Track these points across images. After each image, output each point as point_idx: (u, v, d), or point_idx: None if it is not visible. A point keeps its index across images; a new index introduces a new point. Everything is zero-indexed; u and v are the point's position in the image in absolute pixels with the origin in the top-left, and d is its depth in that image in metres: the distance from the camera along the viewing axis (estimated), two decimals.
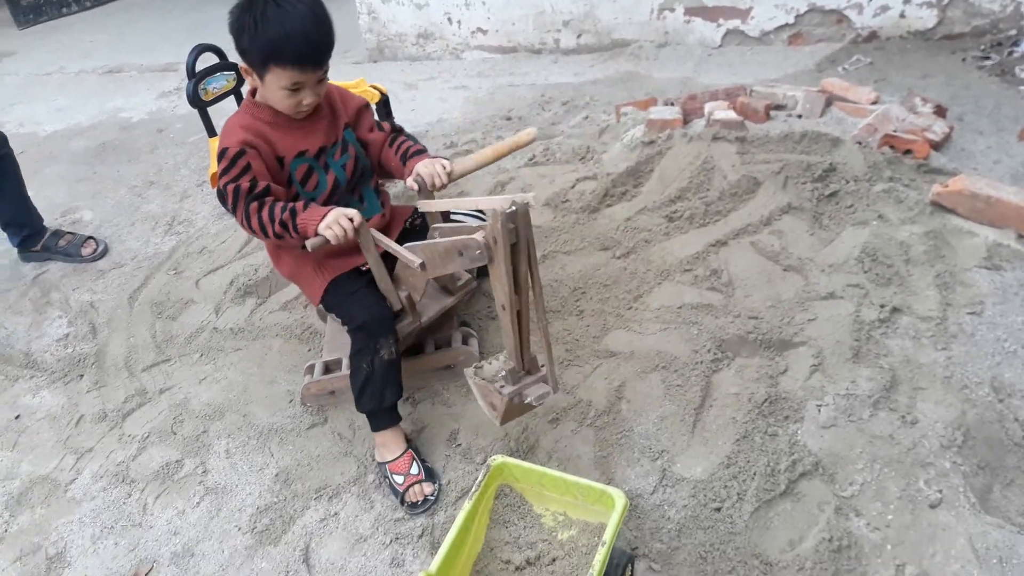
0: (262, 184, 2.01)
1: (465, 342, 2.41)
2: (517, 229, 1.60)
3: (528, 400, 1.79)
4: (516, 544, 1.76)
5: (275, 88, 1.96)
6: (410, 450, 2.16)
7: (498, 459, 1.80)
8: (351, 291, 2.17)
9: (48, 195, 4.19)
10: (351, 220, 1.94)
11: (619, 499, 1.65)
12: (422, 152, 2.23)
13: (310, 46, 1.90)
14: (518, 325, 1.73)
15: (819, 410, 2.06)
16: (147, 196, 4.04)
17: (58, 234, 3.50)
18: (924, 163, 2.83)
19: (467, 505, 1.72)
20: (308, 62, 1.92)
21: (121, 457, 2.44)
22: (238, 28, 1.89)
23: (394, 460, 2.14)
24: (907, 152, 2.87)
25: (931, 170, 2.81)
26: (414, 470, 2.11)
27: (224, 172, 1.99)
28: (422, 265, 1.85)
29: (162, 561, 2.11)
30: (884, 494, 1.88)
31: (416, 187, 2.14)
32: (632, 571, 1.77)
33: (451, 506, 2.06)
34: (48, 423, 2.64)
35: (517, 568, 1.71)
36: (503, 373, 1.79)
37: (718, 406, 2.12)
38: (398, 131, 2.34)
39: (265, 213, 1.98)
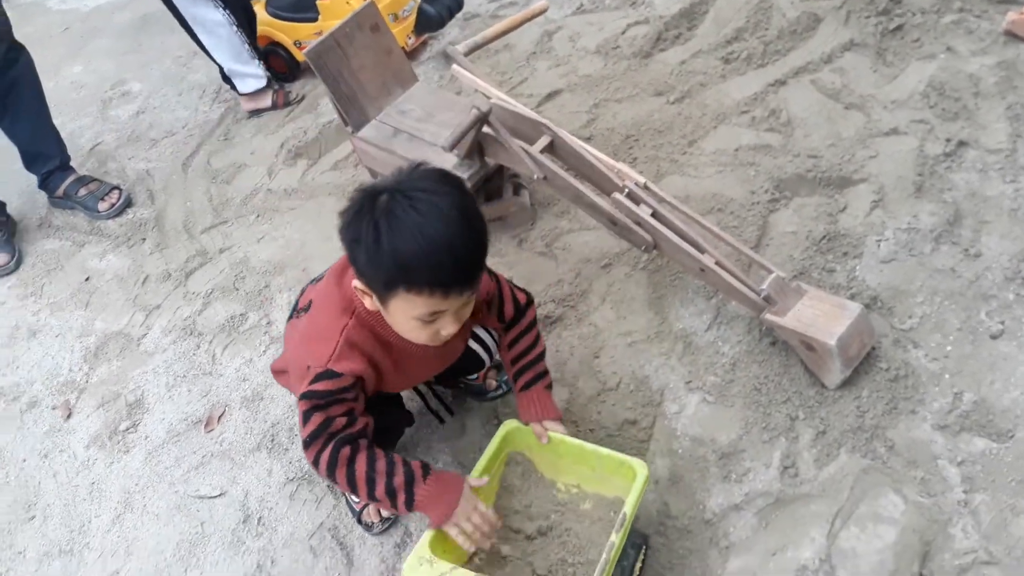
0: (360, 423, 1.48)
1: (516, 193, 2.40)
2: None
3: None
4: (527, 514, 1.65)
5: (404, 318, 1.38)
6: None
7: (511, 424, 1.67)
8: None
9: (96, 68, 4.20)
10: (486, 521, 1.50)
11: (641, 470, 1.51)
12: (538, 380, 1.70)
13: (457, 265, 1.30)
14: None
15: (879, 245, 2.03)
16: (192, 66, 4.01)
17: (82, 180, 3.09)
18: None
19: (477, 468, 1.59)
20: (453, 286, 1.31)
21: (187, 312, 2.53)
22: (351, 238, 1.32)
23: None
24: None
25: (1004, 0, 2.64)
26: None
27: (317, 395, 1.44)
28: None
29: (233, 405, 2.21)
30: (944, 326, 1.86)
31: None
32: (646, 553, 1.65)
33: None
34: (116, 284, 2.74)
35: (528, 537, 1.61)
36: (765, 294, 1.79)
37: (775, 245, 2.10)
38: (514, 321, 1.71)
39: (361, 468, 1.45)
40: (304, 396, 1.44)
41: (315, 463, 1.46)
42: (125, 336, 2.53)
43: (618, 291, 2.15)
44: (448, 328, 1.39)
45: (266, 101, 3.31)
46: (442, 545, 1.47)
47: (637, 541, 1.59)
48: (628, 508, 1.46)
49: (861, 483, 1.67)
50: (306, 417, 1.44)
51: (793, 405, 1.81)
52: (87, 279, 2.80)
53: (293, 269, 2.54)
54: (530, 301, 1.71)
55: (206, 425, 2.18)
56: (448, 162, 2.18)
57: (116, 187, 3.10)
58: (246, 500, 1.99)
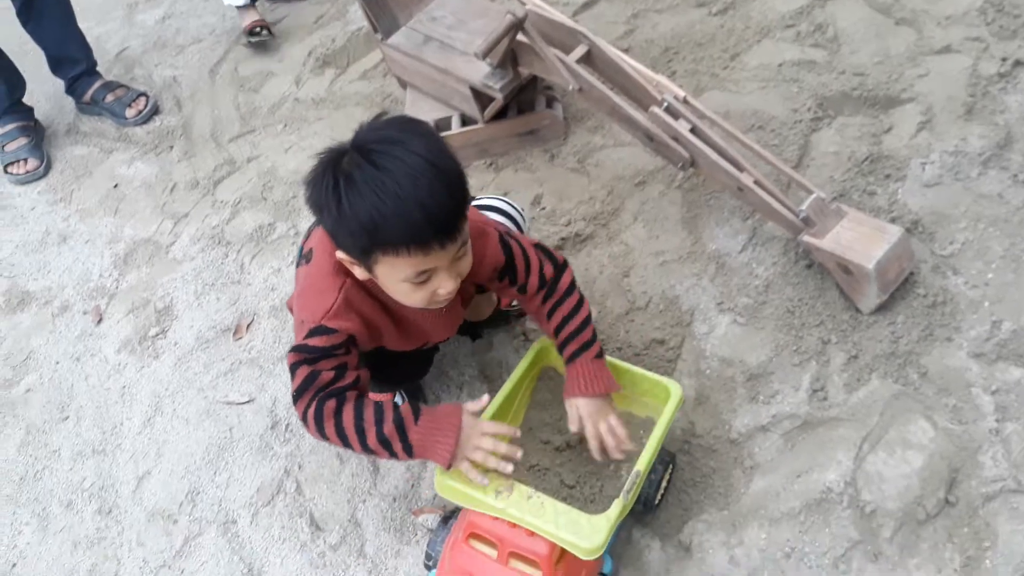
0: (349, 376, 1.39)
1: (549, 106, 2.33)
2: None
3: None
4: (556, 427, 1.64)
5: (393, 282, 1.31)
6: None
7: (546, 341, 1.65)
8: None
9: None
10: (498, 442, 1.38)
11: (676, 391, 1.52)
12: (584, 349, 1.52)
13: (429, 218, 1.19)
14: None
15: (923, 168, 1.96)
16: None
17: (109, 86, 3.06)
18: None
19: (509, 383, 1.59)
20: (431, 240, 1.22)
21: (216, 221, 2.52)
22: (315, 208, 1.27)
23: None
24: None
25: None
26: (397, 399, 1.85)
27: (307, 350, 1.37)
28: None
29: (262, 314, 2.22)
30: (986, 253, 1.81)
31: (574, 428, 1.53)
32: (674, 468, 1.65)
33: None
34: (144, 191, 2.74)
35: (557, 449, 1.61)
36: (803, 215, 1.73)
37: (815, 165, 2.04)
38: (549, 283, 1.55)
39: (349, 419, 1.35)
40: (294, 349, 1.38)
41: (304, 419, 1.38)
42: (154, 243, 2.53)
43: (651, 209, 2.10)
44: (445, 286, 1.30)
45: (246, 20, 3.14)
46: None
47: (665, 458, 1.59)
48: (661, 426, 1.46)
49: (891, 408, 1.65)
50: (293, 371, 1.38)
51: (826, 329, 1.78)
52: (115, 186, 2.80)
53: None
54: (562, 267, 1.56)
55: (235, 333, 2.19)
56: (480, 71, 2.12)
57: (143, 93, 3.06)
58: (274, 407, 2.01)
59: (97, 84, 3.05)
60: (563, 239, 2.10)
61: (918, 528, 1.51)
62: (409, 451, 1.36)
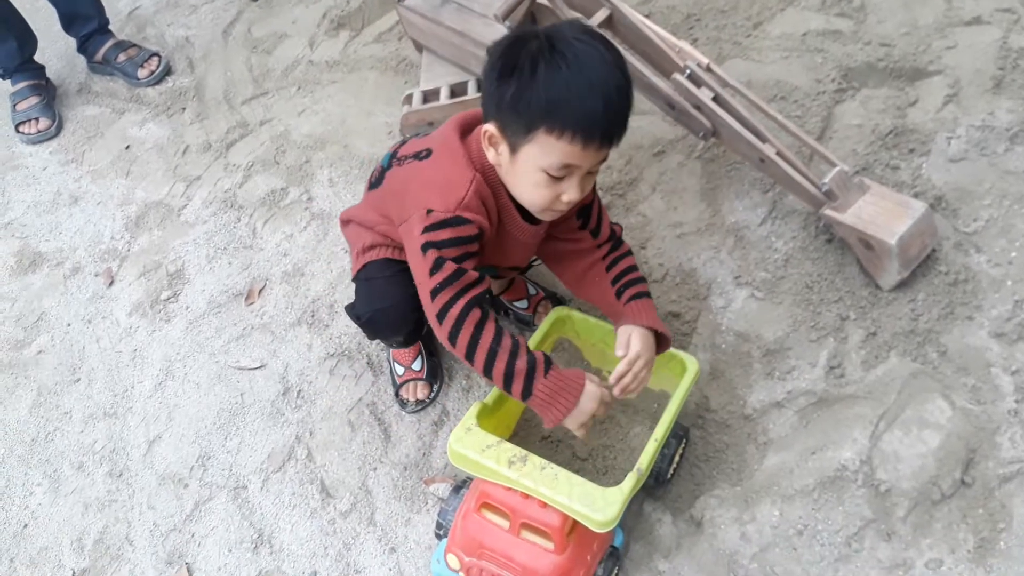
0: (486, 282, 1.41)
1: None
2: None
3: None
4: None
5: (531, 168, 1.32)
6: (420, 342, 1.88)
7: (562, 311, 1.67)
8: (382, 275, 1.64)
9: None
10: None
11: (691, 365, 1.52)
12: (648, 294, 1.55)
13: (607, 111, 1.26)
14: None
15: (949, 143, 1.92)
16: None
17: (121, 46, 3.01)
18: None
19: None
20: (595, 134, 1.26)
21: (228, 185, 2.50)
22: (504, 68, 1.28)
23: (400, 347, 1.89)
24: None
25: None
26: (416, 365, 1.87)
27: (448, 244, 1.37)
28: None
29: (274, 280, 2.21)
30: (1011, 231, 1.77)
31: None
32: (687, 443, 1.64)
33: None
34: (156, 153, 2.72)
35: None
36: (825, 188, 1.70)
37: (838, 138, 2.00)
38: (618, 237, 1.62)
39: (488, 337, 1.35)
40: (433, 245, 1.36)
41: (441, 315, 1.35)
42: (166, 206, 2.52)
43: (670, 180, 2.07)
44: (571, 193, 1.33)
45: None
46: (488, 420, 1.47)
47: (679, 432, 1.58)
48: (676, 400, 1.45)
49: (909, 387, 1.63)
50: (437, 264, 1.35)
51: (845, 305, 1.76)
52: (127, 147, 2.78)
53: (334, 145, 2.48)
54: (621, 233, 1.63)
55: (247, 298, 2.18)
56: (497, 34, 2.08)
57: (155, 54, 3.03)
58: (286, 373, 2.01)
59: (109, 43, 3.02)
60: None
61: (932, 508, 1.50)
62: (526, 396, 1.37)
